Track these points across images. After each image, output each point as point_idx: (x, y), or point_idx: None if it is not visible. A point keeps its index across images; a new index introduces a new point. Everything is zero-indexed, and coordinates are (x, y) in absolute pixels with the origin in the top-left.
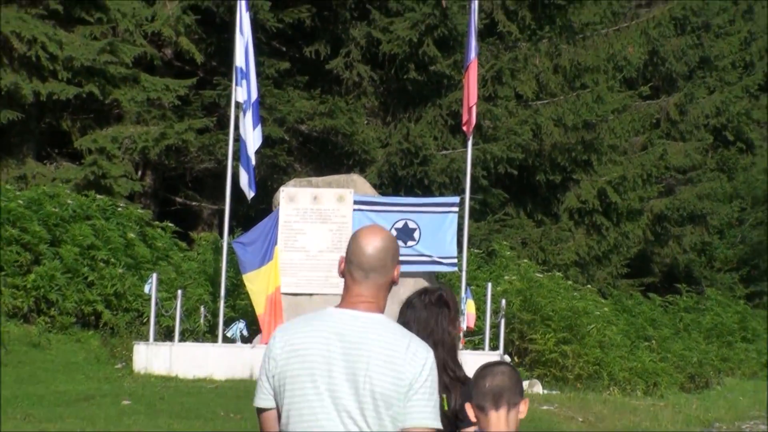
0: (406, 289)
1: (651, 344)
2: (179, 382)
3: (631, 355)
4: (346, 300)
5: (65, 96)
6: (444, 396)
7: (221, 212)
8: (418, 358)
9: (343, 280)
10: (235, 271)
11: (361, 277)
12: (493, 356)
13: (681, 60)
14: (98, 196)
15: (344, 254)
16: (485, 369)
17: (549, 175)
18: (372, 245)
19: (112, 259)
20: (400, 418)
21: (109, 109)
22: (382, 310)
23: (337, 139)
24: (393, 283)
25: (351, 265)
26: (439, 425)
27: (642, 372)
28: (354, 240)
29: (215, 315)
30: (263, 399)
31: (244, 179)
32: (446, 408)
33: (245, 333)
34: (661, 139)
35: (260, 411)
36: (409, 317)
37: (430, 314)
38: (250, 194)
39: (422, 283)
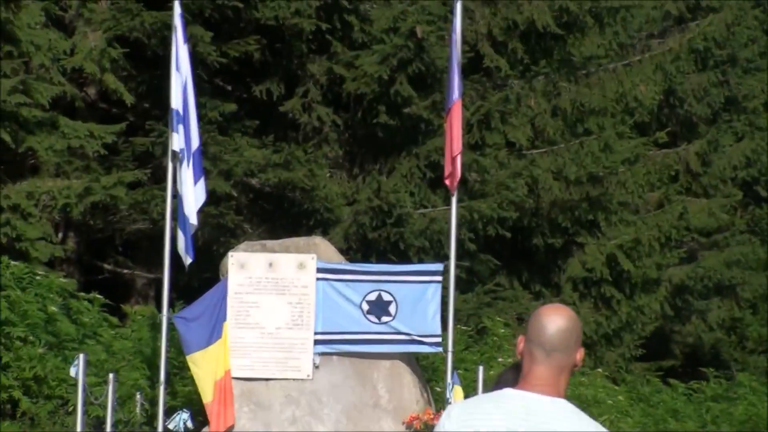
0: (381, 372)
1: None
2: None
3: None
4: (525, 382)
5: None
6: None
7: (159, 282)
8: None
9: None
10: (177, 352)
11: (542, 357)
12: None
13: (703, 100)
14: (12, 263)
15: (523, 334)
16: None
17: (548, 238)
18: (555, 323)
19: (31, 337)
20: None
21: (23, 159)
22: (562, 395)
23: (295, 194)
24: (575, 366)
25: (531, 344)
26: None
27: None
28: (536, 317)
29: (154, 403)
30: None
31: (181, 243)
32: None
33: (190, 425)
34: (681, 196)
35: None
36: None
37: None
38: (187, 260)
39: (400, 367)
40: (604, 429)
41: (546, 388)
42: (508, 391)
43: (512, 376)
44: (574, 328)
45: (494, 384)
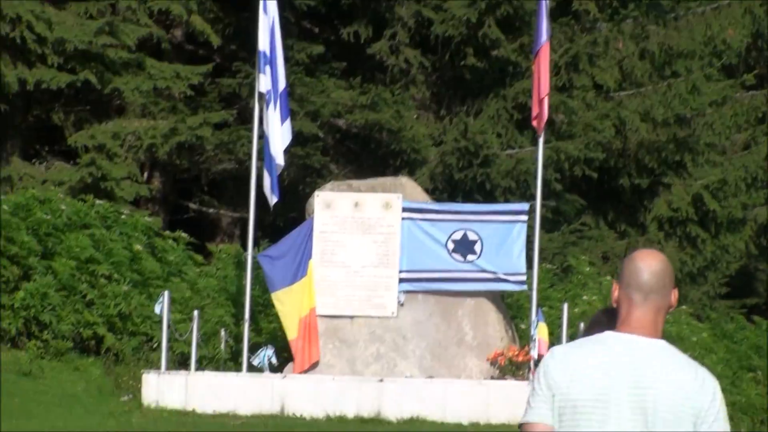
0: (466, 310)
1: (756, 375)
2: (197, 418)
3: (733, 388)
4: (625, 325)
5: (56, 84)
6: None
7: (244, 221)
8: (707, 387)
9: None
10: (262, 289)
11: (640, 300)
12: None
13: None
14: (97, 202)
15: (616, 281)
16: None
17: (634, 178)
18: (650, 266)
19: (116, 275)
20: None
21: (109, 100)
22: (660, 336)
23: (382, 135)
24: (670, 307)
25: (628, 289)
26: None
27: (747, 407)
28: (630, 262)
29: (238, 340)
30: (539, 415)
31: (267, 183)
32: None
33: (274, 361)
34: None
35: (532, 426)
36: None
37: None
38: (273, 200)
39: (485, 304)
40: (702, 368)
41: (645, 330)
42: (608, 334)
43: (605, 318)
44: (667, 270)
45: (587, 327)
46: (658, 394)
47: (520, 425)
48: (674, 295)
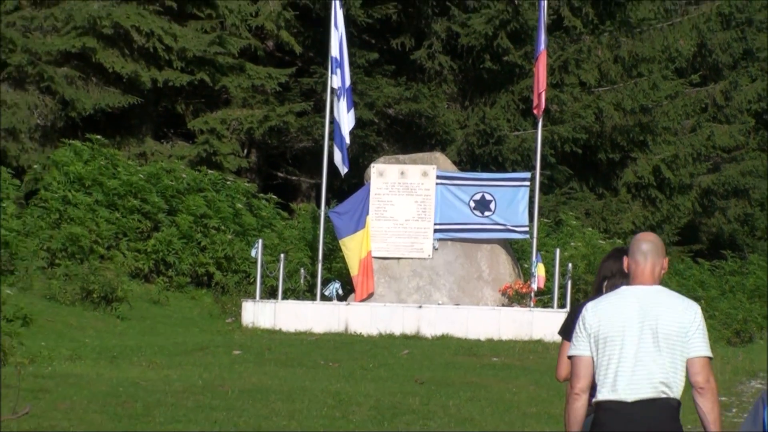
0: (483, 253)
1: (701, 303)
2: (283, 335)
3: None
4: (635, 280)
5: (179, 83)
6: None
7: (318, 186)
8: (690, 311)
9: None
10: (331, 237)
11: (642, 260)
12: (561, 314)
13: (726, 52)
14: (209, 171)
15: (627, 256)
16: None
17: (609, 153)
18: (647, 239)
19: (222, 227)
20: (685, 350)
21: (218, 94)
22: (658, 283)
23: (421, 121)
24: (663, 269)
25: (635, 255)
26: (710, 354)
27: None
28: (635, 240)
29: (314, 276)
30: (582, 349)
31: (338, 156)
32: None
33: (340, 292)
34: (709, 122)
35: (578, 358)
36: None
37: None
38: (343, 170)
39: (498, 249)
40: (688, 299)
41: (647, 280)
42: (623, 288)
43: (612, 263)
44: (658, 242)
45: (597, 272)
46: (659, 320)
47: (570, 357)
48: (666, 261)
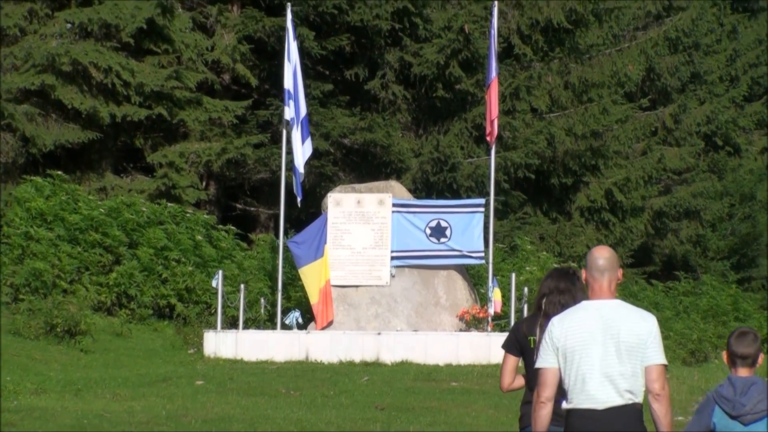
0: (440, 279)
1: None
2: (244, 364)
3: None
4: (594, 294)
5: (138, 117)
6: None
7: (276, 216)
8: (648, 322)
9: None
10: (290, 267)
11: (599, 276)
12: None
13: (675, 75)
14: (169, 204)
15: (584, 268)
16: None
17: (562, 178)
18: (602, 254)
19: (183, 259)
20: (643, 359)
21: (176, 128)
22: (615, 297)
23: (376, 150)
24: (618, 280)
25: (591, 270)
26: (666, 362)
27: None
28: (591, 254)
29: (274, 305)
30: (548, 361)
31: (293, 187)
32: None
33: (300, 321)
34: (659, 145)
35: (545, 370)
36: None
37: (568, 284)
38: (297, 200)
39: (454, 275)
40: (645, 311)
41: (605, 295)
42: (585, 302)
43: (550, 281)
44: (613, 255)
45: (538, 290)
46: (620, 332)
47: (537, 368)
48: (620, 272)
